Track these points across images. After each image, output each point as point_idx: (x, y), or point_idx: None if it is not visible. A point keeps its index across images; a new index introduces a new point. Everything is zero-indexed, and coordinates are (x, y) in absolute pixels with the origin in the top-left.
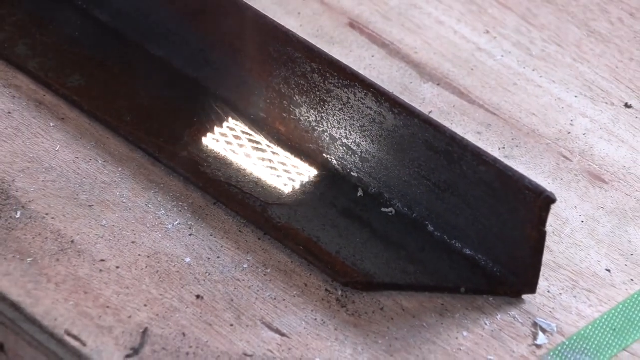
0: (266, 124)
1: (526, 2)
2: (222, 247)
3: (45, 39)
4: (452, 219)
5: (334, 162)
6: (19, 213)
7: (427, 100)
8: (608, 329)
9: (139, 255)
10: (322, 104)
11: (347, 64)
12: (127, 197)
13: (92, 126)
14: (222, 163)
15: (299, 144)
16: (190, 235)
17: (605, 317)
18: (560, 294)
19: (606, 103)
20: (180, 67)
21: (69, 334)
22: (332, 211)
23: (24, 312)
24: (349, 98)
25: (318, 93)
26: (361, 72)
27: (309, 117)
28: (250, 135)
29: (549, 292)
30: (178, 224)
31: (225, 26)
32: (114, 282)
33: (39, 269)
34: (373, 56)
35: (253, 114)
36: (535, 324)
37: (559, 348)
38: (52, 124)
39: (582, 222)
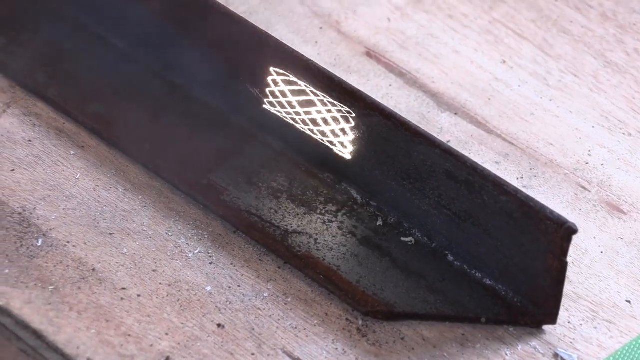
0: (285, 152)
1: (542, 33)
2: (242, 275)
3: (65, 67)
4: (472, 249)
5: (353, 191)
6: (40, 241)
7: (444, 129)
8: None
9: (160, 283)
10: (341, 133)
11: (365, 93)
12: (148, 225)
13: (112, 154)
14: (242, 191)
15: (318, 173)
16: (210, 263)
17: (626, 348)
18: (581, 324)
19: (623, 133)
20: (200, 96)
21: None
22: (351, 240)
23: (46, 340)
24: (368, 127)
25: (337, 122)
26: (379, 101)
27: (328, 146)
28: (270, 163)
29: (569, 322)
30: (198, 252)
31: (245, 55)
32: (136, 311)
33: (61, 297)
34: (390, 85)
35: (272, 142)
36: (556, 355)
37: None
38: (72, 152)
39: (602, 252)
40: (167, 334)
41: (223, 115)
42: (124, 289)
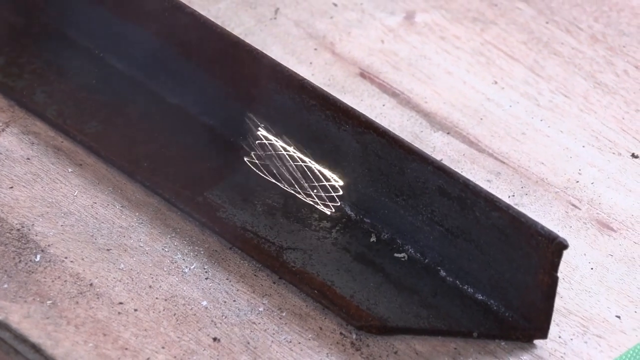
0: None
1: (533, 54)
2: (237, 290)
3: (63, 87)
4: (464, 264)
5: (347, 207)
6: (38, 256)
7: (437, 148)
8: None
9: (157, 298)
10: (335, 150)
11: (359, 111)
12: (144, 241)
13: (109, 172)
14: (238, 208)
15: (313, 189)
16: (206, 279)
17: None
18: (571, 339)
19: (613, 153)
20: (196, 114)
21: None
22: (345, 256)
23: (45, 353)
24: (362, 145)
25: (332, 140)
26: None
27: (322, 164)
28: (265, 181)
29: (560, 337)
30: (194, 267)
31: (241, 74)
32: (132, 325)
33: (59, 311)
34: (384, 105)
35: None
36: None
37: None
38: (70, 170)
39: (592, 269)
40: (163, 348)
41: (219, 133)
42: (121, 303)
